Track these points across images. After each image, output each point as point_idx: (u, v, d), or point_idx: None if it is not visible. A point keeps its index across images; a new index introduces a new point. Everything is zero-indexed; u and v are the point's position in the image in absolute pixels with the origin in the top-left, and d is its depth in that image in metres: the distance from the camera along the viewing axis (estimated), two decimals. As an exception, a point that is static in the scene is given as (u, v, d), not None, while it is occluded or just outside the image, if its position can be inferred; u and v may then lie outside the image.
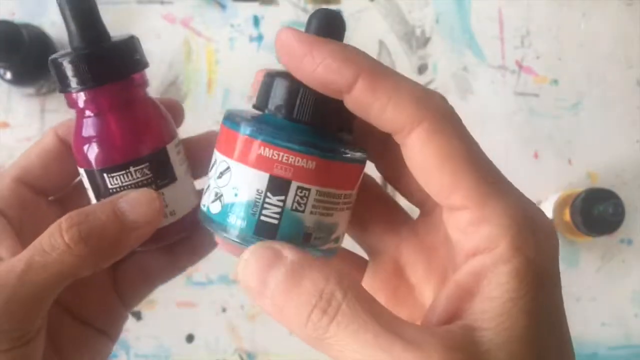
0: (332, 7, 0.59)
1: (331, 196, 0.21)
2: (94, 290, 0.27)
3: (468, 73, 0.58)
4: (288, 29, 0.21)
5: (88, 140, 0.25)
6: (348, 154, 0.22)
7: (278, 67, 0.58)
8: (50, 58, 0.24)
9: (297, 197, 0.21)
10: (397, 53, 0.58)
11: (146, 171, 0.25)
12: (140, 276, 0.29)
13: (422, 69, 0.58)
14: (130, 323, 0.55)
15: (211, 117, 0.57)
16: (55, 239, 0.22)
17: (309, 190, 0.21)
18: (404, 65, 0.58)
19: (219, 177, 0.22)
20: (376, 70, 0.21)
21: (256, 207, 0.21)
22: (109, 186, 0.25)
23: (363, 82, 0.20)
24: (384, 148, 0.22)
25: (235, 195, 0.21)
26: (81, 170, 0.26)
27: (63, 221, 0.22)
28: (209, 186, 0.23)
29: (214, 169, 0.23)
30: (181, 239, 0.28)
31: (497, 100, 0.58)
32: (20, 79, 0.53)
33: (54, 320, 0.24)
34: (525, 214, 0.19)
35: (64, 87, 0.25)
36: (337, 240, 0.23)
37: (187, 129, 0.60)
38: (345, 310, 0.17)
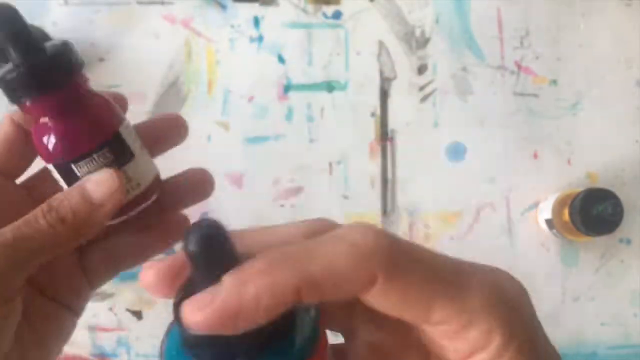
0: (332, 8, 0.59)
1: None
2: (62, 270, 0.30)
3: (467, 73, 0.58)
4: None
5: (48, 139, 0.28)
6: None
7: (277, 70, 0.57)
8: None
9: None
10: (397, 53, 0.58)
11: (107, 154, 0.28)
12: (107, 259, 0.31)
13: (421, 69, 0.58)
14: (130, 322, 0.55)
15: (211, 118, 0.57)
16: (37, 220, 0.26)
17: None
18: (404, 66, 0.58)
19: None
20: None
21: None
22: (78, 174, 0.28)
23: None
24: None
25: None
26: (49, 166, 0.29)
27: (44, 206, 0.26)
28: None
29: None
30: (151, 225, 0.32)
31: (497, 101, 0.58)
32: None
33: (26, 295, 0.27)
34: (499, 294, 0.20)
35: (14, 100, 0.27)
36: None
37: (188, 130, 0.60)
38: None
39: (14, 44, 0.27)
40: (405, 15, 0.59)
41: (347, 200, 0.57)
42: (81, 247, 0.30)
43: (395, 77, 0.58)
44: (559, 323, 0.56)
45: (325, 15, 0.59)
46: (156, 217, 0.32)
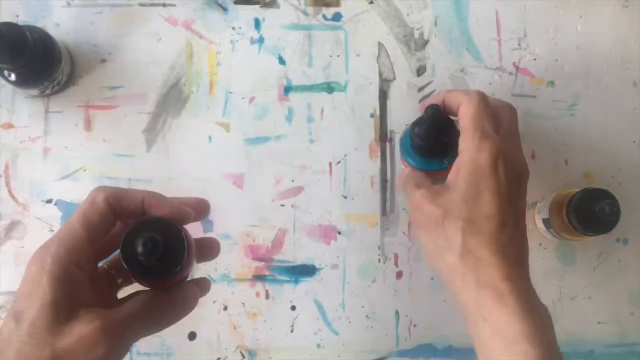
0: (332, 10, 0.59)
1: None
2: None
3: (466, 74, 0.59)
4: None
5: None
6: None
7: (277, 69, 0.58)
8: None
9: None
10: (396, 55, 0.59)
11: None
12: None
13: (420, 71, 0.59)
14: (133, 321, 0.55)
15: (212, 119, 0.58)
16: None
17: None
18: (403, 67, 0.59)
19: None
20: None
21: None
22: None
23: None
24: None
25: None
26: None
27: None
28: None
29: None
30: None
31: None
32: (25, 80, 0.53)
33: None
34: (480, 135, 0.43)
35: (141, 276, 0.36)
36: None
37: (189, 129, 0.61)
38: (410, 185, 0.47)
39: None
40: (404, 17, 0.59)
41: (347, 200, 0.57)
42: None
43: (394, 78, 0.59)
44: (556, 322, 0.56)
45: (325, 17, 0.59)
46: None
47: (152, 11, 0.59)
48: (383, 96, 0.59)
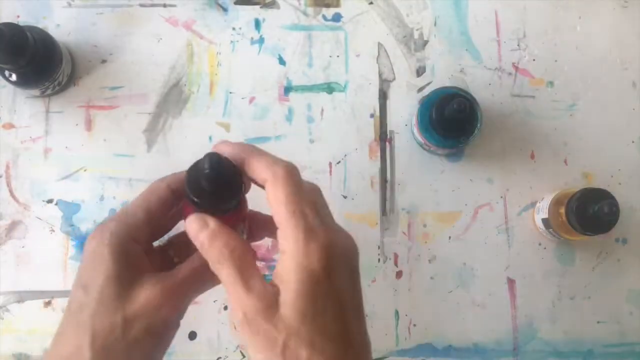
0: (331, 10, 0.59)
1: None
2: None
3: (465, 75, 0.59)
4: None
5: None
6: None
7: (277, 69, 0.58)
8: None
9: None
10: (395, 55, 0.59)
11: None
12: None
13: (420, 71, 0.59)
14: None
15: (213, 119, 0.58)
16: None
17: None
18: (403, 67, 0.59)
19: None
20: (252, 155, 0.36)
21: None
22: None
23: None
24: None
25: None
26: None
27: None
28: None
29: None
30: None
31: (494, 102, 0.58)
32: (26, 80, 0.53)
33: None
34: (304, 233, 0.33)
35: (209, 206, 0.36)
36: None
37: (189, 130, 0.61)
38: (226, 265, 0.33)
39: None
40: (404, 18, 0.60)
41: (346, 200, 0.57)
42: None
43: (394, 79, 0.59)
44: (555, 321, 0.57)
45: (325, 17, 0.59)
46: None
47: (152, 12, 0.59)
48: (383, 96, 0.59)
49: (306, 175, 0.57)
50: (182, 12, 0.59)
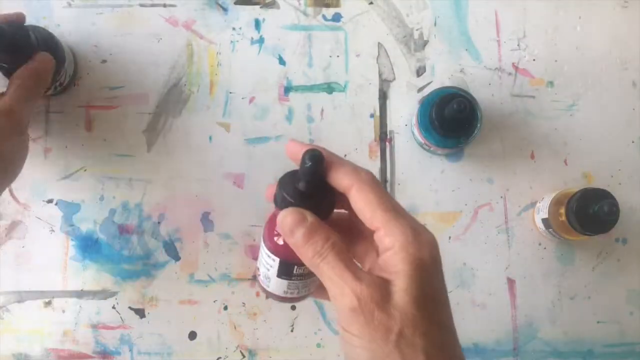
0: (331, 10, 0.59)
1: None
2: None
3: (465, 75, 0.59)
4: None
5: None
6: None
7: (277, 69, 0.58)
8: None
9: None
10: (395, 55, 0.59)
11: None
12: None
13: (420, 71, 0.59)
14: (133, 321, 0.56)
15: (213, 119, 0.58)
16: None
17: None
18: (403, 67, 0.59)
19: None
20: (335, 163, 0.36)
21: None
22: (294, 272, 0.37)
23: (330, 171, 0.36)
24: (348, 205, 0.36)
25: None
26: (272, 255, 0.37)
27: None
28: None
29: None
30: None
31: (494, 102, 0.58)
32: None
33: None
34: (410, 229, 0.34)
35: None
36: None
37: (189, 129, 0.61)
38: (329, 257, 0.34)
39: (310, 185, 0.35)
40: (404, 18, 0.60)
41: (346, 200, 0.57)
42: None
43: (394, 79, 0.59)
44: (555, 321, 0.57)
45: (325, 17, 0.59)
46: None
47: (152, 12, 0.59)
48: (383, 96, 0.59)
49: (306, 175, 0.57)
50: (182, 12, 0.59)
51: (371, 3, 0.60)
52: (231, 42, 0.59)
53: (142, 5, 0.59)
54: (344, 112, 0.58)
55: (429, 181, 0.58)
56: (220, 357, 0.56)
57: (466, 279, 0.57)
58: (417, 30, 0.59)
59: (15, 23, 0.50)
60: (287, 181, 0.35)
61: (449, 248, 0.57)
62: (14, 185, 0.57)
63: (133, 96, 0.58)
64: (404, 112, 0.58)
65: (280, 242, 0.36)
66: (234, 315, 0.56)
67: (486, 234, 0.57)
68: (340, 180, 0.35)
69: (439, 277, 0.34)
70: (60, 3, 0.59)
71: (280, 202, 0.35)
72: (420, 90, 0.59)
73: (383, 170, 0.58)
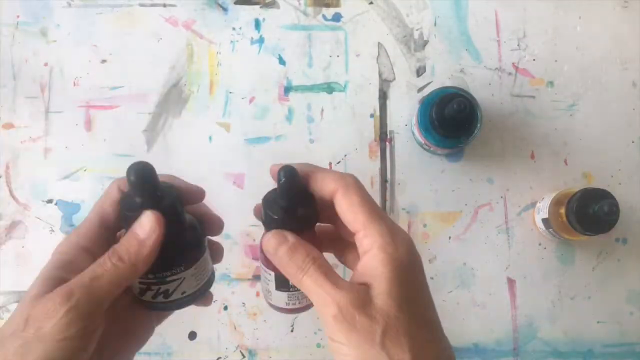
0: (331, 10, 0.59)
1: None
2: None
3: (465, 75, 0.59)
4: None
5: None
6: None
7: (277, 71, 0.58)
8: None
9: None
10: (395, 55, 0.59)
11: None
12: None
13: (420, 71, 0.59)
14: (133, 321, 0.56)
15: (213, 119, 0.58)
16: (105, 262, 0.34)
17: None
18: (403, 67, 0.59)
19: None
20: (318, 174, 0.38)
21: None
22: (291, 284, 0.38)
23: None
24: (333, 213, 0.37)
25: None
26: (268, 270, 0.39)
27: (109, 251, 0.35)
28: None
29: None
30: None
31: (494, 102, 0.58)
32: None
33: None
34: (387, 229, 0.34)
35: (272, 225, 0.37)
36: None
37: (189, 129, 0.61)
38: (310, 270, 0.35)
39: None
40: (404, 18, 0.60)
41: (346, 200, 0.57)
42: None
43: (394, 79, 0.59)
44: (555, 321, 0.57)
45: (325, 17, 0.59)
46: None
47: (152, 11, 0.59)
48: (383, 96, 0.59)
49: (306, 175, 0.57)
50: (182, 12, 0.59)
51: (371, 3, 0.60)
52: (231, 42, 0.59)
53: (142, 5, 0.59)
54: (344, 112, 0.58)
55: (429, 181, 0.58)
56: (220, 357, 0.56)
57: (466, 279, 0.57)
58: (417, 30, 0.59)
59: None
60: (270, 199, 0.37)
61: (449, 248, 0.57)
62: (13, 185, 0.57)
63: (133, 96, 0.58)
64: (404, 112, 0.58)
65: None
66: (234, 315, 0.56)
67: (486, 234, 0.57)
68: (326, 186, 0.36)
69: (419, 276, 0.35)
70: (60, 3, 0.59)
71: (265, 221, 0.37)
72: (420, 90, 0.59)
73: (383, 170, 0.58)
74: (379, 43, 0.59)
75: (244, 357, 0.56)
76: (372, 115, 0.58)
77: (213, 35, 0.59)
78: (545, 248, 0.57)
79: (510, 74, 0.59)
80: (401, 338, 0.33)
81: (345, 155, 0.58)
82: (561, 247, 0.57)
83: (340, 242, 0.40)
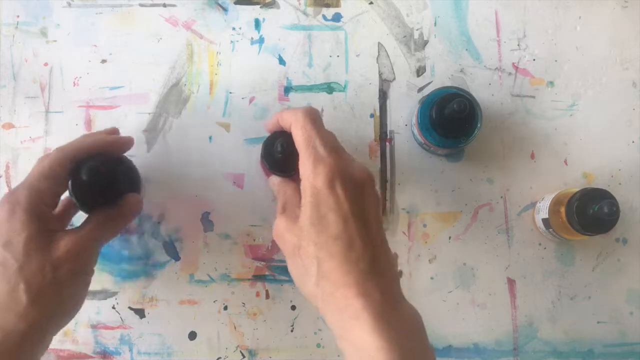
0: (332, 10, 0.59)
1: None
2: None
3: (465, 75, 0.59)
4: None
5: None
6: None
7: (277, 69, 0.58)
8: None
9: None
10: (395, 55, 0.59)
11: None
12: None
13: (420, 71, 0.59)
14: (133, 321, 0.56)
15: (212, 119, 0.58)
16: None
17: None
18: (403, 67, 0.59)
19: None
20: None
21: None
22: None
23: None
24: None
25: None
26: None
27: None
28: None
29: None
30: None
31: (494, 102, 0.58)
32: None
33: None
34: (313, 160, 0.43)
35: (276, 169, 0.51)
36: None
37: (190, 129, 0.61)
38: (278, 198, 0.49)
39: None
40: (404, 18, 0.60)
41: (346, 200, 0.57)
42: None
43: (394, 79, 0.59)
44: (555, 321, 0.57)
45: (325, 17, 0.59)
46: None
47: (152, 11, 0.59)
48: (383, 96, 0.59)
49: (306, 175, 0.57)
50: (182, 12, 0.59)
51: (371, 3, 0.60)
52: (231, 42, 0.59)
53: (142, 5, 0.59)
54: (344, 112, 0.58)
55: (429, 181, 0.58)
56: (220, 357, 0.56)
57: (466, 279, 0.57)
58: (417, 30, 0.59)
59: (111, 154, 0.49)
60: (268, 150, 0.51)
61: (449, 248, 0.57)
62: (13, 185, 0.57)
63: (133, 96, 0.58)
64: (404, 112, 0.58)
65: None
66: (234, 316, 0.56)
67: (486, 234, 0.57)
68: (286, 123, 0.46)
69: (334, 198, 0.42)
70: (60, 3, 0.59)
71: (268, 163, 0.51)
72: (420, 90, 0.59)
73: (383, 170, 0.58)
74: (379, 43, 0.59)
75: (244, 357, 0.56)
76: (372, 115, 0.58)
77: (213, 35, 0.59)
78: (545, 248, 0.57)
79: (510, 74, 0.59)
80: (310, 248, 0.42)
81: (345, 155, 0.58)
82: (561, 247, 0.57)
83: None
